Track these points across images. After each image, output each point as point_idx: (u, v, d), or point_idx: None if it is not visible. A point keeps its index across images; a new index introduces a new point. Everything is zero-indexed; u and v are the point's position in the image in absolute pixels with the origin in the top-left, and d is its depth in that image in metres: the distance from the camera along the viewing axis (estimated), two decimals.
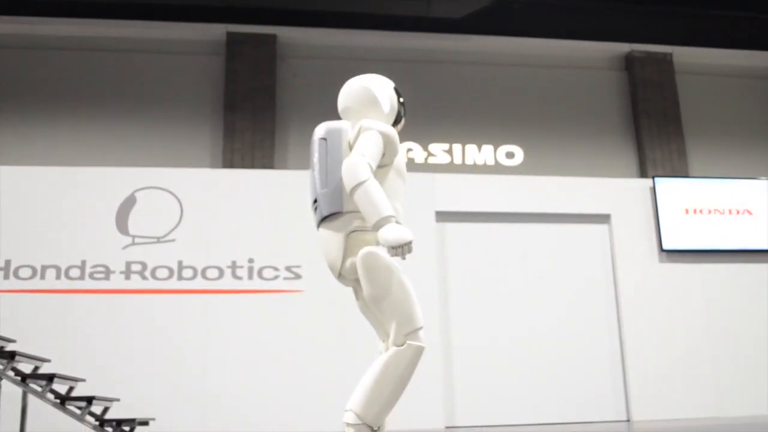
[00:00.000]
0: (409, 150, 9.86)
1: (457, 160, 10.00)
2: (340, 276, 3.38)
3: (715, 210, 9.18)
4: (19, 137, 9.36)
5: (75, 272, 7.88)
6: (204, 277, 8.04)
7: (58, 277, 7.84)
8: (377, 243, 3.28)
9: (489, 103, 10.34)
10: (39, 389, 5.67)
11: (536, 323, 8.54)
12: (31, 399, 5.79)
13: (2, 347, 5.80)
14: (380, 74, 3.74)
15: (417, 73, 10.05)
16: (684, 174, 10.11)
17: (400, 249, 3.10)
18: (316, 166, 3.45)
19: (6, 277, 7.76)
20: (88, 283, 7.86)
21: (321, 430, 7.35)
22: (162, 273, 8.00)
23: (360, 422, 3.12)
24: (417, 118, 9.42)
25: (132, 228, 8.10)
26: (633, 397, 8.40)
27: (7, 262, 7.80)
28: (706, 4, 10.12)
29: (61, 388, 5.92)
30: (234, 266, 8.11)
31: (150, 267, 8.00)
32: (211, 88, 9.85)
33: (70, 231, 8.00)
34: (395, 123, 3.68)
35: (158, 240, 8.10)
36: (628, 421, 8.37)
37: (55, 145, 9.36)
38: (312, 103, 9.64)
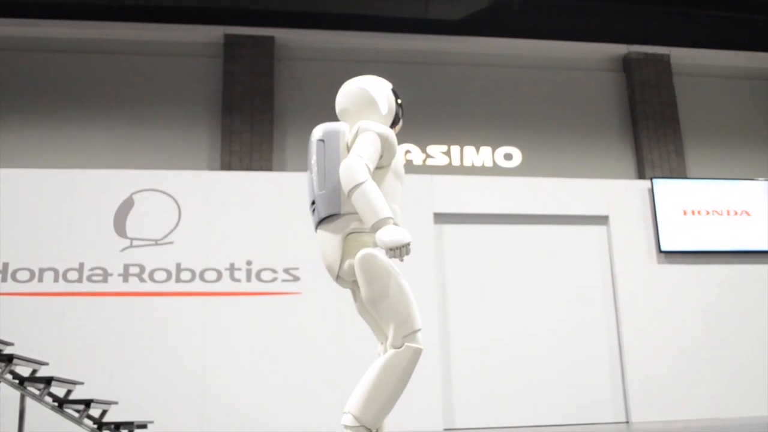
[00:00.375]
0: (408, 152, 9.86)
1: (455, 162, 10.00)
2: (338, 278, 3.39)
3: (713, 211, 9.19)
4: (16, 140, 9.35)
5: (73, 275, 7.87)
6: (202, 279, 8.04)
7: (56, 279, 7.83)
8: (375, 244, 3.28)
9: (487, 104, 10.34)
10: (37, 392, 5.66)
11: (534, 325, 8.54)
12: (29, 402, 5.77)
13: (0, 350, 5.79)
14: (378, 76, 3.74)
15: (415, 75, 10.05)
16: (682, 175, 10.12)
17: (398, 251, 3.10)
18: (314, 168, 3.45)
19: (4, 279, 7.75)
20: (86, 286, 7.85)
21: (314, 426, 7.35)
22: (160, 275, 7.99)
23: (358, 424, 3.12)
24: (415, 119, 9.44)
25: (130, 230, 8.09)
26: (632, 398, 8.40)
27: (5, 265, 7.79)
28: (703, 5, 10.14)
29: (59, 391, 5.91)
30: (232, 268, 8.10)
31: (148, 269, 7.99)
32: (208, 90, 9.85)
33: (68, 234, 7.99)
34: (393, 124, 3.69)
35: (156, 242, 8.09)
36: (627, 422, 8.36)
37: (52, 148, 9.35)
38: (310, 105, 9.65)
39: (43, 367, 6.07)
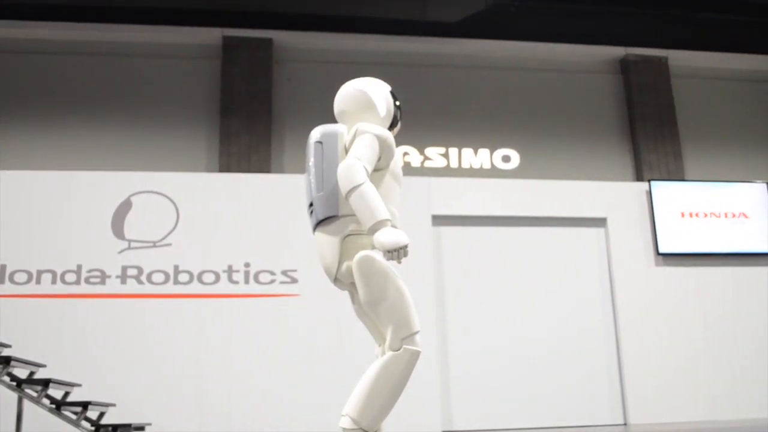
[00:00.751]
0: (406, 154, 9.87)
1: (454, 164, 10.01)
2: (336, 280, 3.38)
3: (711, 213, 9.19)
4: (14, 141, 9.35)
5: (71, 277, 7.86)
6: (200, 281, 8.03)
7: (53, 281, 7.82)
8: (373, 247, 3.27)
9: (485, 106, 10.35)
10: (34, 394, 5.65)
11: (532, 327, 8.54)
12: (27, 404, 5.77)
13: None
14: (376, 78, 3.73)
15: (413, 77, 10.05)
16: (680, 177, 10.13)
17: (396, 253, 3.10)
18: (312, 170, 3.44)
19: (1, 281, 7.74)
20: (83, 288, 7.84)
21: (313, 427, 7.34)
22: (158, 277, 7.99)
23: (356, 427, 3.11)
24: (413, 121, 9.42)
25: (128, 232, 8.08)
26: (630, 400, 8.40)
27: (3, 267, 7.78)
28: (701, 7, 10.14)
29: (56, 393, 5.90)
30: (230, 270, 8.10)
31: (146, 271, 7.99)
32: (207, 92, 9.85)
33: (66, 235, 7.98)
34: (391, 126, 3.67)
35: (154, 244, 8.09)
36: (625, 424, 8.36)
37: (50, 149, 9.35)
38: (308, 107, 9.65)
39: (40, 369, 6.05)
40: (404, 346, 3.15)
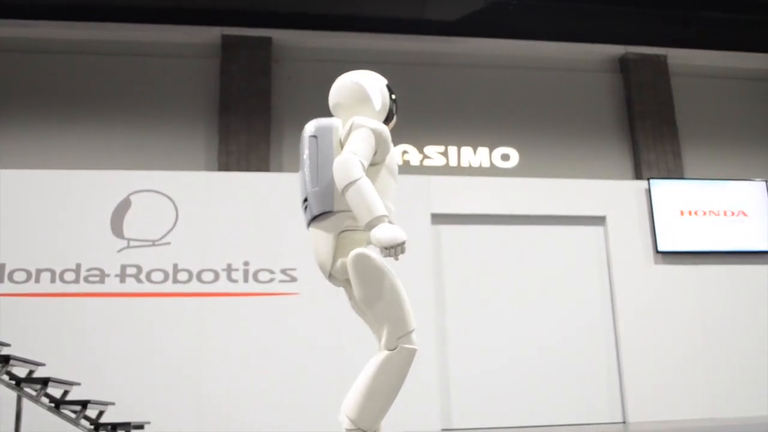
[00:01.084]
0: (405, 152, 9.86)
1: (453, 162, 10.01)
2: (330, 276, 3.33)
3: (710, 212, 9.20)
4: (13, 140, 9.34)
5: (70, 276, 7.86)
6: (199, 280, 8.03)
7: (52, 280, 7.82)
8: (368, 243, 3.25)
9: (484, 105, 10.35)
10: (33, 393, 5.65)
11: (532, 325, 8.54)
12: (26, 403, 5.77)
13: None
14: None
15: (412, 76, 10.05)
16: (679, 176, 10.13)
17: (393, 250, 3.04)
18: (306, 164, 3.39)
19: (0, 280, 7.74)
20: (83, 287, 7.84)
21: (312, 427, 7.34)
22: (157, 276, 7.99)
23: (355, 428, 3.10)
24: (412, 120, 9.44)
25: (127, 231, 8.08)
26: (629, 398, 8.41)
27: (2, 266, 7.78)
28: (700, 6, 10.14)
29: (55, 392, 5.90)
30: (229, 269, 8.10)
31: (145, 270, 7.99)
32: (206, 91, 9.84)
33: (65, 234, 7.98)
34: (387, 120, 3.61)
35: (153, 243, 8.08)
36: (624, 422, 8.37)
37: (49, 148, 9.34)
38: (307, 106, 9.61)
39: (39, 368, 6.06)
40: (400, 345, 3.12)
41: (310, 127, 3.46)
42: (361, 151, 3.21)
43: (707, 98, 10.90)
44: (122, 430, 6.02)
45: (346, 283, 3.35)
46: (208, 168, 9.47)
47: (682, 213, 9.11)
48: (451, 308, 8.46)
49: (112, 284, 7.89)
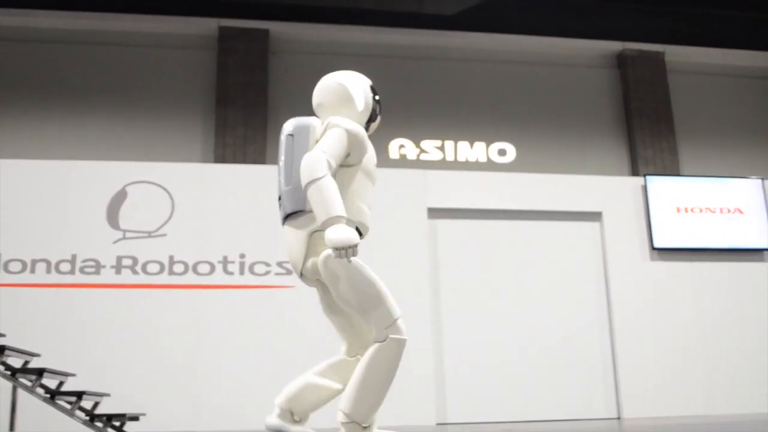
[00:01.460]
0: (402, 146, 9.84)
1: (449, 157, 10.01)
2: (301, 275, 3.32)
3: (706, 208, 9.21)
4: (8, 131, 9.31)
5: (65, 266, 7.84)
6: (195, 272, 8.02)
7: (48, 271, 7.80)
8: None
9: (481, 100, 10.35)
10: (29, 384, 5.64)
11: (527, 320, 8.55)
12: (21, 394, 5.76)
13: None
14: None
15: (409, 70, 10.03)
16: (675, 172, 10.15)
17: (345, 251, 2.99)
18: (282, 162, 3.40)
19: None
20: (78, 278, 7.83)
21: (311, 425, 7.33)
22: (153, 268, 7.97)
23: (350, 420, 3.11)
24: (409, 114, 9.44)
25: (123, 222, 8.06)
26: (624, 394, 8.42)
27: None
28: (698, 3, 10.15)
29: (51, 382, 5.89)
30: (225, 261, 8.09)
31: (141, 262, 7.97)
32: (203, 83, 9.83)
33: (61, 225, 7.96)
34: (370, 121, 3.60)
35: (149, 234, 8.07)
36: (619, 418, 8.39)
37: (45, 139, 9.32)
38: (304, 98, 9.47)
39: (35, 359, 6.04)
40: (389, 336, 3.12)
41: (288, 125, 3.49)
42: (331, 150, 3.18)
43: (704, 95, 10.92)
44: (117, 421, 6.01)
45: (317, 283, 3.36)
46: (205, 160, 9.45)
47: (678, 210, 9.12)
48: (447, 302, 8.46)
49: (107, 275, 7.88)
